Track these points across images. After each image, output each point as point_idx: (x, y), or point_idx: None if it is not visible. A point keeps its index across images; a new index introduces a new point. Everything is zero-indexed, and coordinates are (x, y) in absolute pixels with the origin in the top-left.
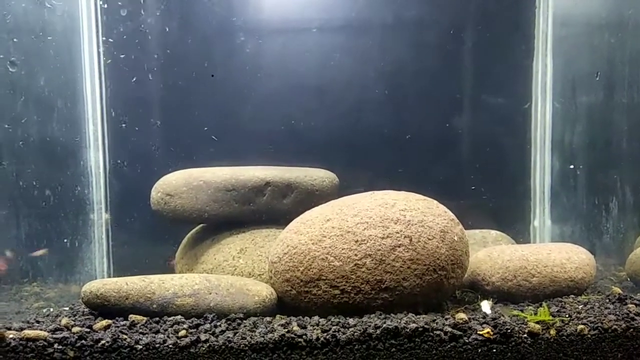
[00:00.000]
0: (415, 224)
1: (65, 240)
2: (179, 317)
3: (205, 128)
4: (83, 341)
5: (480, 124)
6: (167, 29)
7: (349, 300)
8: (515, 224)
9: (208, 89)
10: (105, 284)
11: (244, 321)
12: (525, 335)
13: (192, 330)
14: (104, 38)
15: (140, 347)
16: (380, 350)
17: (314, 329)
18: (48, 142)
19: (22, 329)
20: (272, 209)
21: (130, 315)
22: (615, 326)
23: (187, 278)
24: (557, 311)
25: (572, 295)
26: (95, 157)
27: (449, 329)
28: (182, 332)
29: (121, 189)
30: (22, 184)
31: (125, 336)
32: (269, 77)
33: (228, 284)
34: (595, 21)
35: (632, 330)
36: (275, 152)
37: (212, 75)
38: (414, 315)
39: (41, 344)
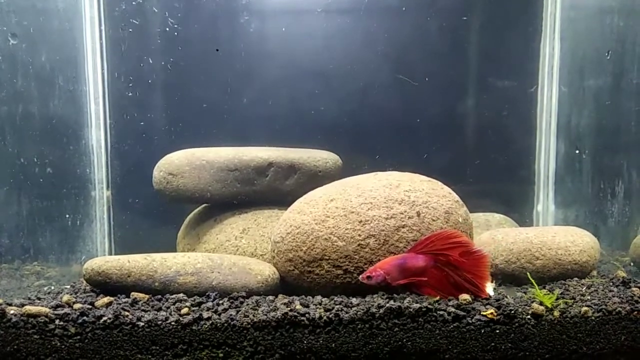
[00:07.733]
0: (420, 205)
1: (67, 217)
2: (181, 295)
3: (217, 49)
4: (84, 317)
5: (485, 107)
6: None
7: (351, 280)
8: (519, 208)
9: (212, 68)
10: (107, 261)
11: (247, 300)
12: (529, 316)
13: (195, 308)
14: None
15: (142, 324)
16: (383, 329)
17: (317, 308)
18: (49, 120)
19: (23, 305)
20: (274, 190)
21: (132, 293)
22: (619, 308)
23: (190, 257)
24: (561, 293)
25: (576, 278)
26: (97, 136)
27: (453, 310)
28: (185, 310)
29: (123, 167)
30: (24, 162)
31: (127, 313)
32: (272, 58)
33: (231, 263)
34: (605, 4)
35: (636, 312)
36: (280, 133)
37: (217, 50)
38: (417, 295)
39: (42, 320)
